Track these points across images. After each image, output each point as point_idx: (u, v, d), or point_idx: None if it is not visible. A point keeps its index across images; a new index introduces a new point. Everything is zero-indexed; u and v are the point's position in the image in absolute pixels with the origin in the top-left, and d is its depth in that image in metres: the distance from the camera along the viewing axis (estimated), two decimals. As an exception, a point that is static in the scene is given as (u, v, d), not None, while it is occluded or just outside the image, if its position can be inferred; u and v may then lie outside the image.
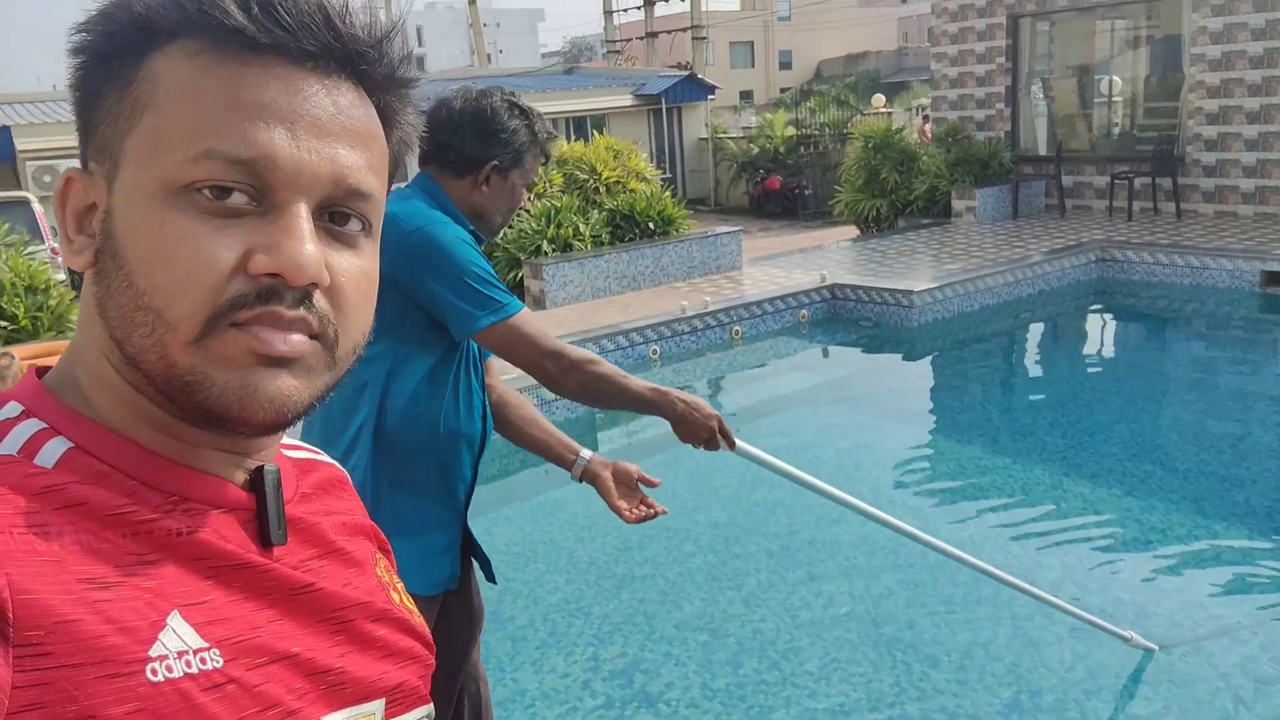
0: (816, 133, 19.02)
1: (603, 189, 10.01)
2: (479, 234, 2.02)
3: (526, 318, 1.94)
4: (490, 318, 1.89)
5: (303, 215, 0.59)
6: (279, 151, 0.58)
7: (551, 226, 9.11)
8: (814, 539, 4.24)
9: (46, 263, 7.28)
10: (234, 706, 0.57)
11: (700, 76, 20.96)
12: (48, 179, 12.13)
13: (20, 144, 13.48)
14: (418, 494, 1.95)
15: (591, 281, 8.71)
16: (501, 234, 8.18)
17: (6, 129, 13.52)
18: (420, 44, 60.26)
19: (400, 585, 0.77)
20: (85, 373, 0.62)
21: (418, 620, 0.74)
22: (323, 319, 0.61)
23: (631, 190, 10.04)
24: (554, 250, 8.96)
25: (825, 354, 7.96)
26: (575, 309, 8.29)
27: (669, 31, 25.29)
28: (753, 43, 43.98)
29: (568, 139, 14.06)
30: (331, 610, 0.66)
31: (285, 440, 0.72)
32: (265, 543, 0.64)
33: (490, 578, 2.15)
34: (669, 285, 9.04)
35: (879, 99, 20.53)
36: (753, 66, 44.02)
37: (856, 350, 8.00)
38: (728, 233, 9.72)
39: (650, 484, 2.08)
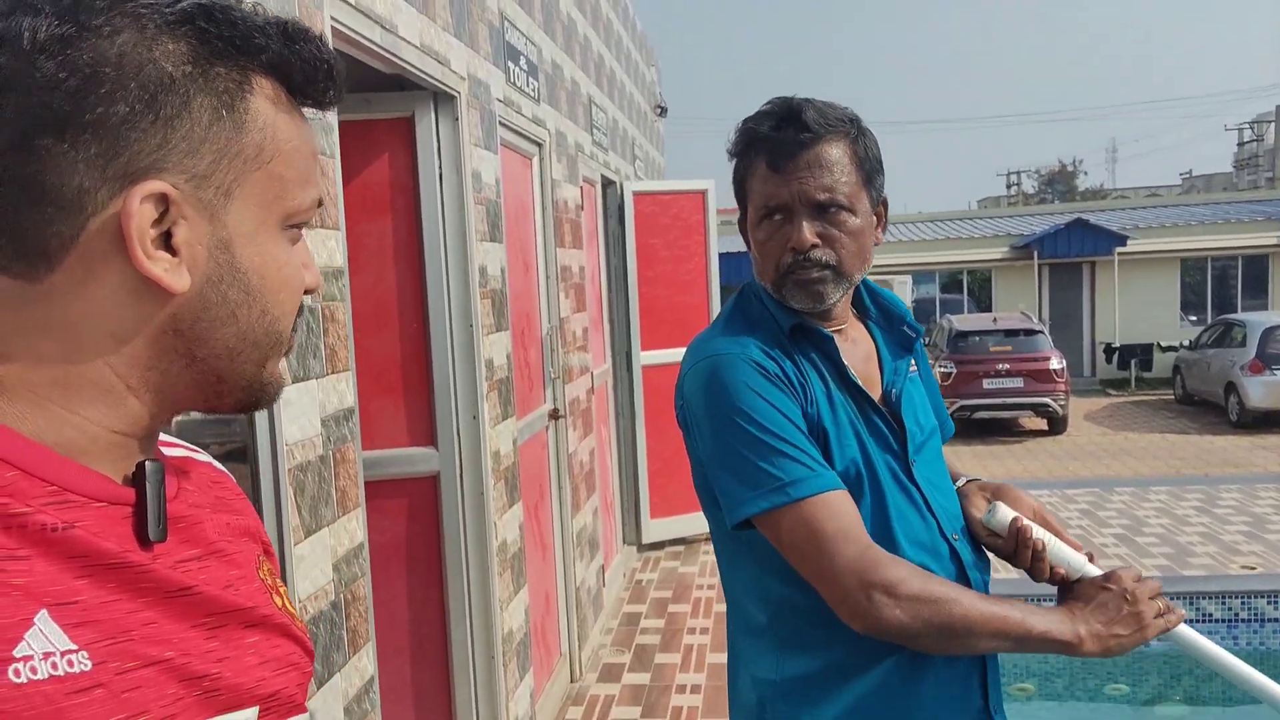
0: None
1: None
2: (806, 320, 1.48)
3: (826, 505, 1.34)
4: (762, 501, 1.35)
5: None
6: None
7: None
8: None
9: None
10: (100, 711, 0.57)
11: None
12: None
13: None
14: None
15: None
16: None
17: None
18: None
19: (284, 589, 0.76)
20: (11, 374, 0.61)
21: (299, 626, 0.74)
22: None
23: None
24: None
25: None
26: None
27: None
28: None
29: None
30: (209, 614, 0.65)
31: (162, 437, 0.72)
32: (145, 540, 0.63)
33: None
34: None
35: None
36: None
37: None
38: None
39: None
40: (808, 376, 1.44)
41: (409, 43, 2.74)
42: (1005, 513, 1.43)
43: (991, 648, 1.36)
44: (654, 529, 6.54)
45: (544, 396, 4.36)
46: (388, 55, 2.59)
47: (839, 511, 1.34)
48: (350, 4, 2.35)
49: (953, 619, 1.30)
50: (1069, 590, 1.40)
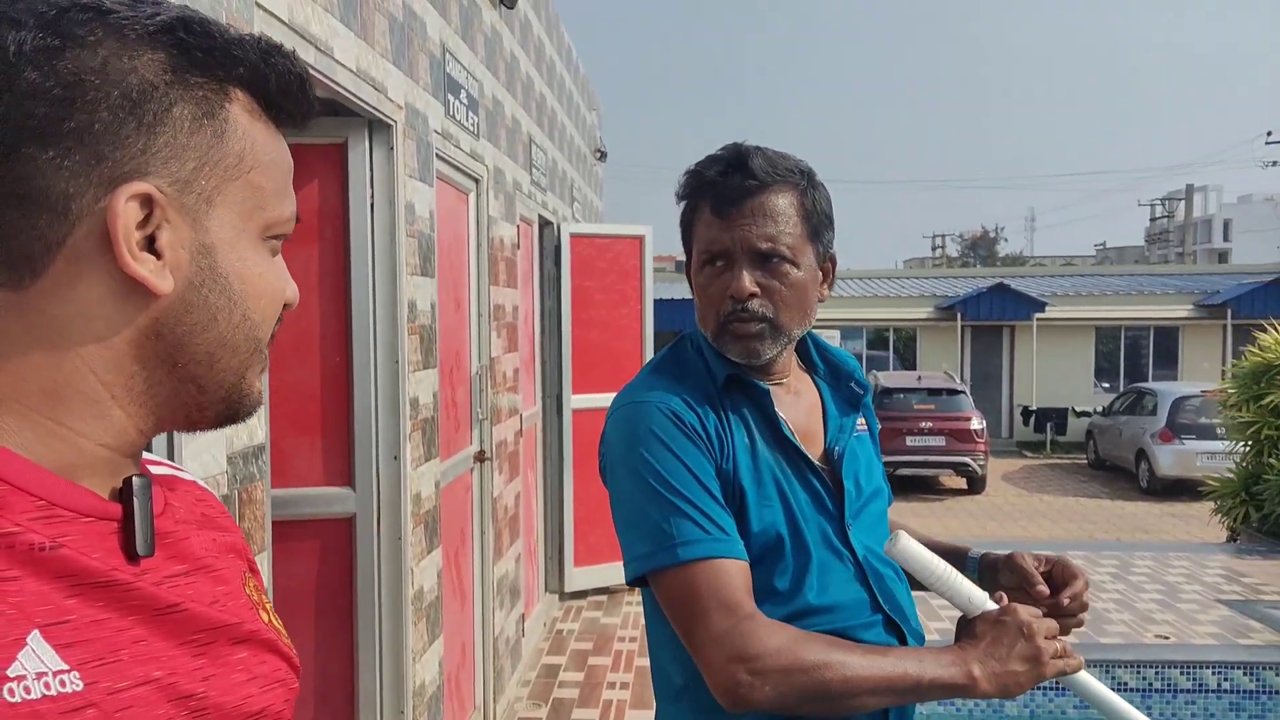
0: None
1: None
2: (743, 372, 1.42)
3: (712, 571, 1.26)
4: (652, 559, 1.29)
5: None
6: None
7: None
8: None
9: None
10: None
11: None
12: None
13: None
14: None
15: None
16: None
17: None
18: (1226, 238, 55.50)
19: (269, 605, 0.76)
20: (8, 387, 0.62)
21: (286, 642, 0.75)
22: None
23: None
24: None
25: None
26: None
27: None
28: None
29: None
30: (196, 631, 0.66)
31: (147, 456, 0.72)
32: (133, 555, 0.63)
33: None
34: None
35: None
36: None
37: None
38: None
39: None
40: (731, 431, 1.37)
41: (345, 67, 2.64)
42: (907, 542, 1.35)
43: (883, 703, 1.28)
44: (577, 577, 6.39)
45: (470, 438, 4.23)
46: (322, 78, 2.48)
47: (722, 582, 1.25)
48: (284, 23, 2.25)
49: (828, 685, 1.22)
50: (965, 628, 1.33)
